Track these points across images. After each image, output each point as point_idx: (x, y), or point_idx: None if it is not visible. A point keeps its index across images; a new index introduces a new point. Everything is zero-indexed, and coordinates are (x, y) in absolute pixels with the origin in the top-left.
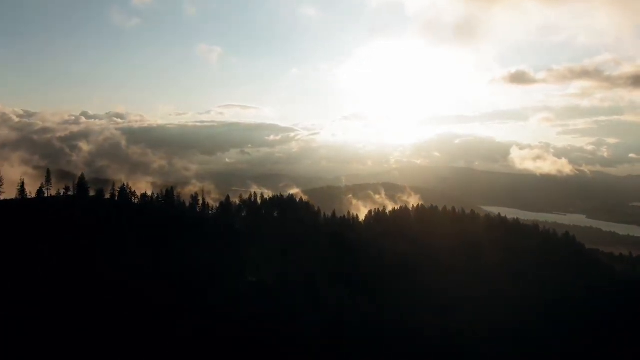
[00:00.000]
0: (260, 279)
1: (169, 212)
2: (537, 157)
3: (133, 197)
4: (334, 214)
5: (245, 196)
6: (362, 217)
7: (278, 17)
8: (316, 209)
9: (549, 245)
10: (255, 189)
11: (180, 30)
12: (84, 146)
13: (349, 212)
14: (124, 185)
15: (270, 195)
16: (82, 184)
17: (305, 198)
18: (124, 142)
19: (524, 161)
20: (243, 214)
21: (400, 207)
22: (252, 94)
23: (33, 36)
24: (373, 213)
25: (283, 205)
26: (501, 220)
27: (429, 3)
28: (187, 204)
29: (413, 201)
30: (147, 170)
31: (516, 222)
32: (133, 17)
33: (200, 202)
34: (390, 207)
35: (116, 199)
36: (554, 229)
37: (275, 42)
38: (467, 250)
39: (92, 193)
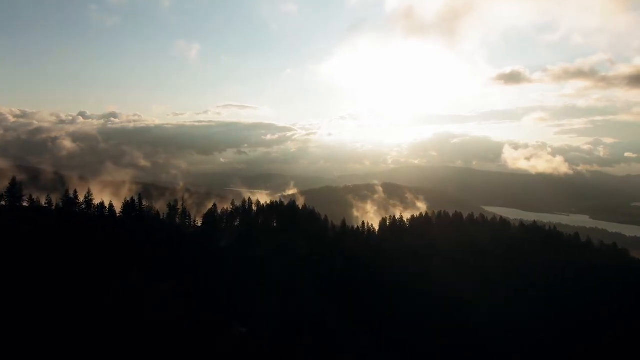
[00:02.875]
0: (252, 330)
1: (129, 227)
2: (535, 157)
3: (88, 206)
4: (343, 223)
5: (242, 197)
6: (368, 220)
7: (261, 13)
8: (323, 216)
9: (593, 258)
10: (251, 189)
11: (162, 28)
12: (70, 146)
13: (363, 223)
14: (75, 191)
15: (268, 199)
16: (12, 189)
17: (303, 199)
18: (117, 142)
19: (522, 161)
20: (236, 223)
21: (420, 215)
22: (249, 94)
23: (35, 40)
24: (388, 222)
25: (283, 212)
26: (536, 229)
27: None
28: (166, 213)
29: (417, 203)
30: (135, 171)
31: (554, 230)
32: (113, 15)
33: (180, 209)
34: (394, 209)
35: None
36: (601, 240)
37: (264, 40)
38: (508, 267)
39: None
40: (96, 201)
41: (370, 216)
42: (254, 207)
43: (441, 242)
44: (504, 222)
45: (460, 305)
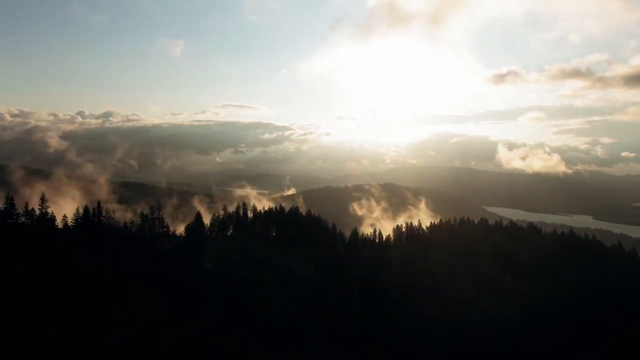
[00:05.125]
0: None
1: (77, 247)
2: (535, 157)
3: (30, 217)
4: (355, 234)
5: (239, 198)
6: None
7: (254, 12)
8: (331, 225)
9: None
10: (249, 189)
11: (160, 28)
12: (61, 145)
13: (375, 232)
14: (12, 198)
15: (266, 200)
16: None
17: (303, 201)
18: (113, 142)
19: (522, 161)
20: (229, 232)
21: (441, 222)
22: (248, 94)
23: (35, 41)
24: (404, 229)
25: (283, 220)
26: (573, 237)
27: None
28: (138, 224)
29: (419, 204)
30: (128, 171)
31: (593, 239)
32: (111, 16)
33: (158, 218)
34: (398, 211)
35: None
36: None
37: (261, 40)
38: (551, 286)
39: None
40: (68, 208)
41: (375, 216)
42: (250, 214)
43: (470, 256)
44: (535, 229)
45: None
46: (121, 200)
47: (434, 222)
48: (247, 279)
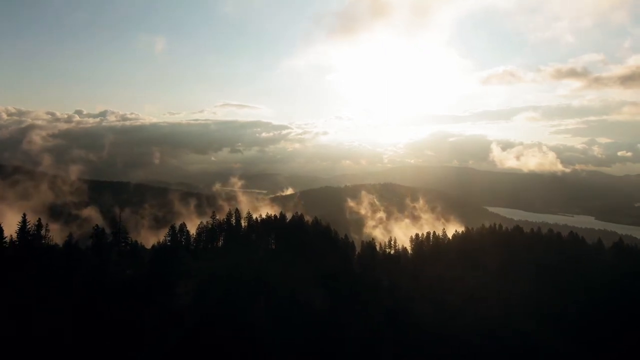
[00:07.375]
0: None
1: None
2: (533, 157)
3: None
4: (372, 247)
5: (234, 199)
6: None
7: (251, 11)
8: (342, 236)
9: None
10: (246, 189)
11: (158, 27)
12: (52, 144)
13: (390, 242)
14: None
15: (265, 199)
16: None
17: (301, 201)
18: (108, 140)
19: (520, 160)
20: (219, 243)
21: (467, 230)
22: (247, 93)
23: (34, 40)
24: (424, 239)
25: (284, 230)
26: (620, 247)
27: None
28: (92, 242)
29: (423, 205)
30: (120, 171)
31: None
32: (107, 15)
33: (119, 234)
34: (403, 213)
35: None
36: None
37: (259, 39)
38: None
39: None
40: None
41: (377, 217)
42: (244, 222)
43: (511, 273)
44: (576, 238)
45: None
46: (97, 202)
47: (460, 231)
48: (235, 319)
